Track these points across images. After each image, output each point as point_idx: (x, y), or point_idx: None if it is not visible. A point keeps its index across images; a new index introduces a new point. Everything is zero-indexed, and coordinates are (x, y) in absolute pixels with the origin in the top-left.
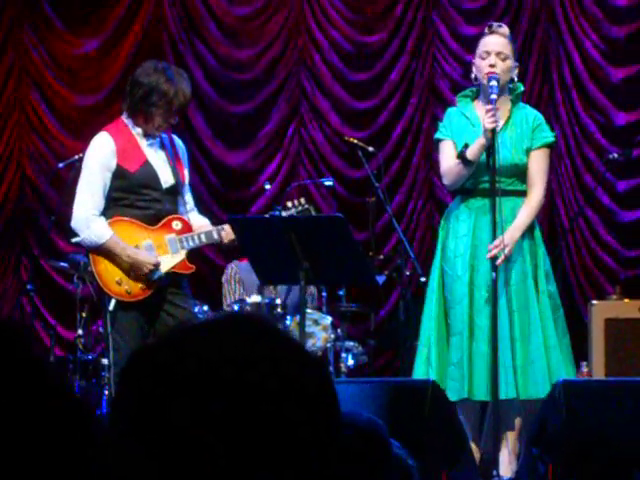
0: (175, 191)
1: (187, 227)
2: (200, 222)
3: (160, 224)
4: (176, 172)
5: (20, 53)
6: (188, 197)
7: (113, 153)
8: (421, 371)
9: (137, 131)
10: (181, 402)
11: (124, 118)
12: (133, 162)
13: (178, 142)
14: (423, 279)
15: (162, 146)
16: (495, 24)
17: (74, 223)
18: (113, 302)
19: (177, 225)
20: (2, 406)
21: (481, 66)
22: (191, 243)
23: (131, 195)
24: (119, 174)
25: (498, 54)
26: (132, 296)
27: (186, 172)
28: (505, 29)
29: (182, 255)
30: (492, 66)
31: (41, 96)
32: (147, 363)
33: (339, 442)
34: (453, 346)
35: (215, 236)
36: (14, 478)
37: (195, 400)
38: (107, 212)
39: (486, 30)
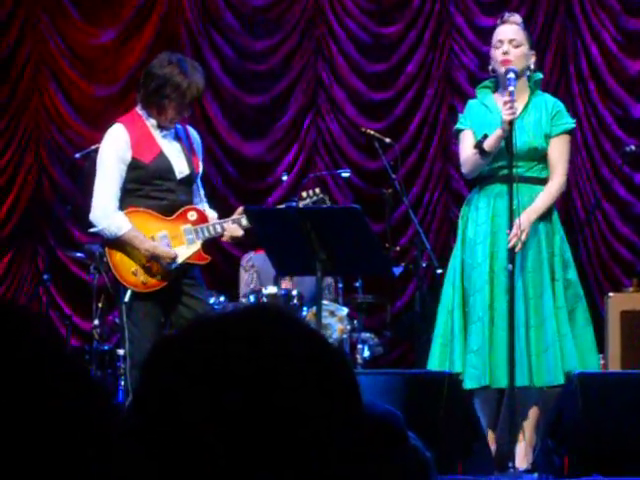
0: (189, 182)
1: (202, 217)
2: (209, 215)
3: (175, 215)
4: (191, 163)
5: (37, 43)
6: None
7: (128, 145)
8: (436, 362)
9: (151, 122)
10: (198, 395)
11: (138, 109)
12: (148, 153)
13: (193, 133)
14: (439, 271)
15: (176, 137)
16: (507, 14)
17: (93, 216)
18: (129, 293)
19: (192, 216)
20: (15, 394)
21: (496, 55)
22: (206, 234)
23: (145, 186)
24: (134, 166)
25: (511, 41)
26: (148, 287)
27: (200, 163)
28: (517, 17)
29: (198, 246)
30: (505, 53)
31: (58, 86)
32: (167, 356)
33: (360, 433)
34: (472, 334)
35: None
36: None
37: (212, 393)
38: (122, 203)
39: (498, 21)
